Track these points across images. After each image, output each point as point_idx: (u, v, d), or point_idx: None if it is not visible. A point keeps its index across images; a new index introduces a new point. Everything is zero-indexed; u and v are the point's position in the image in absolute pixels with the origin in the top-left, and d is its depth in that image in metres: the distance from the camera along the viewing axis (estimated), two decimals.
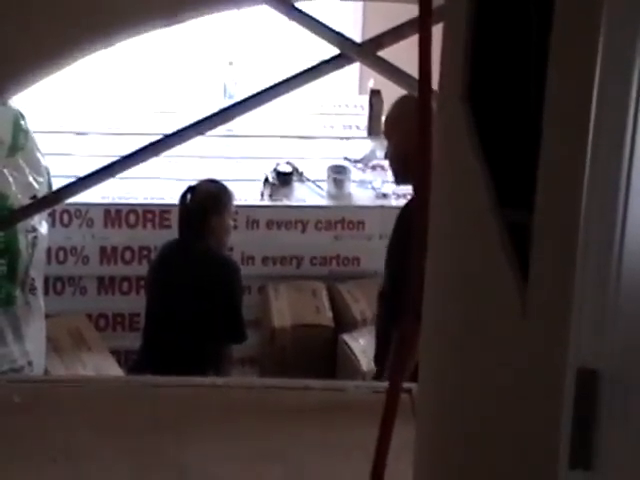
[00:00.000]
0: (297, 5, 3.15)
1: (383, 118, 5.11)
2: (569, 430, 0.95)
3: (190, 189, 3.91)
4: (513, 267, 1.25)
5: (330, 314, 4.39)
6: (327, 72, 3.16)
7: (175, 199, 4.11)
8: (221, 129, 3.79)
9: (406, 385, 1.63)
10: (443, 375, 1.61)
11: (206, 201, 3.84)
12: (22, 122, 4.03)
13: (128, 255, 4.46)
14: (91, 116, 5.02)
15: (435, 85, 1.62)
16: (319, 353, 4.33)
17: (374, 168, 4.81)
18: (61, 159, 4.51)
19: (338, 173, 4.65)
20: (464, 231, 1.48)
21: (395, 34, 3.13)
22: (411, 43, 2.68)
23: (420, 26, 1.55)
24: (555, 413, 0.99)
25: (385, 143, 3.62)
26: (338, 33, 3.17)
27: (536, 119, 1.23)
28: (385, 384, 1.69)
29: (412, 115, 3.43)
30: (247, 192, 4.51)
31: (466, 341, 1.46)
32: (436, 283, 1.62)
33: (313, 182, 4.68)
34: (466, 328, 1.46)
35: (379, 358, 3.33)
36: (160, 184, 4.53)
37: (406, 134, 3.34)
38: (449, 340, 1.57)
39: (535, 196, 1.18)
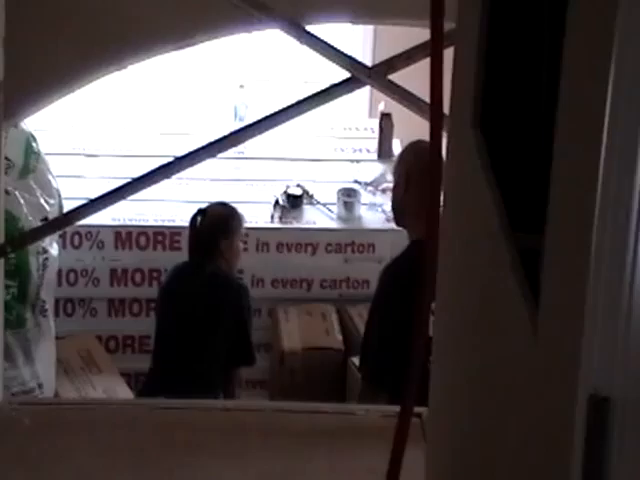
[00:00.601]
0: (308, 28, 3.16)
1: (393, 141, 5.14)
2: (581, 457, 0.95)
3: (200, 212, 3.92)
4: (524, 293, 1.25)
5: (340, 337, 4.39)
6: (338, 95, 3.17)
7: (185, 221, 4.12)
8: (232, 151, 3.80)
9: (416, 409, 1.63)
10: (454, 400, 1.60)
11: (216, 224, 3.85)
12: (34, 144, 4.05)
13: (138, 277, 4.46)
14: (102, 138, 5.04)
15: (446, 109, 1.62)
16: (329, 376, 4.33)
17: (384, 191, 4.81)
18: (72, 181, 4.53)
19: (348, 196, 4.66)
20: (475, 256, 1.48)
21: (406, 58, 3.14)
22: (422, 66, 2.69)
23: (432, 50, 1.55)
24: (566, 440, 0.99)
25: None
26: (349, 56, 3.18)
27: (547, 145, 1.24)
28: (395, 408, 1.69)
29: (412, 162, 3.45)
30: (257, 214, 4.52)
31: (477, 366, 1.45)
32: (447, 309, 1.62)
33: (323, 205, 4.69)
34: (477, 353, 1.45)
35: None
36: (171, 206, 4.54)
37: (402, 181, 3.30)
38: (460, 365, 1.56)
39: (546, 221, 1.18)
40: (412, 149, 3.39)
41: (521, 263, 1.29)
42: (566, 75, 1.11)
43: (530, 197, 1.29)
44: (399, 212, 3.32)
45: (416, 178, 3.21)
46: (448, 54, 1.61)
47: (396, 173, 3.40)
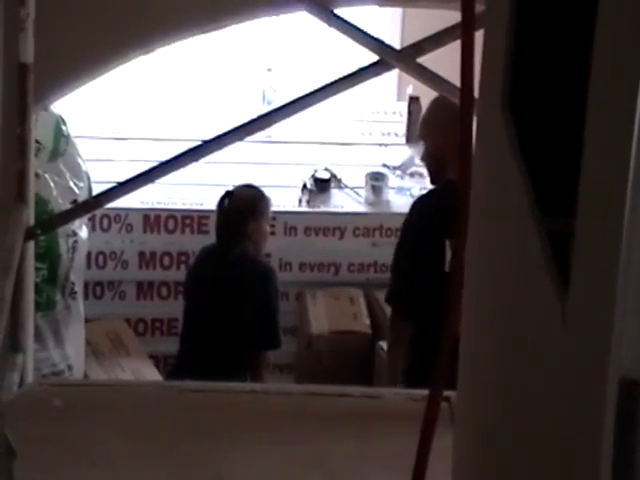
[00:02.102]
0: (336, 12, 3.15)
1: None
2: (611, 443, 0.94)
3: (228, 194, 3.93)
4: (553, 276, 1.25)
5: (367, 321, 4.39)
6: (366, 79, 3.16)
7: (214, 205, 4.13)
8: (260, 135, 3.81)
9: (445, 393, 1.63)
10: (482, 384, 1.60)
11: (243, 206, 3.85)
12: (63, 127, 4.07)
13: (167, 260, 4.48)
14: (131, 122, 5.05)
15: (476, 93, 1.61)
16: (356, 360, 4.33)
17: (412, 175, 4.81)
18: (101, 164, 4.54)
19: (376, 180, 4.65)
20: (503, 240, 1.48)
21: (434, 41, 3.13)
22: (451, 49, 2.67)
23: (462, 33, 1.54)
24: (597, 423, 0.98)
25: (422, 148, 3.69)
26: (377, 39, 3.17)
27: (577, 126, 1.23)
28: (423, 392, 1.69)
29: (445, 115, 3.58)
30: (285, 198, 4.52)
31: (505, 350, 1.45)
32: (475, 292, 1.61)
33: (351, 189, 4.68)
34: (506, 337, 1.45)
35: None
36: (199, 190, 4.55)
37: (439, 134, 3.43)
38: (488, 349, 1.56)
39: (577, 203, 1.17)
40: (441, 106, 3.53)
41: (551, 246, 1.28)
42: (598, 55, 1.10)
43: (560, 180, 1.28)
44: (436, 163, 3.49)
45: (452, 134, 3.34)
46: (478, 37, 1.60)
47: (430, 131, 3.53)
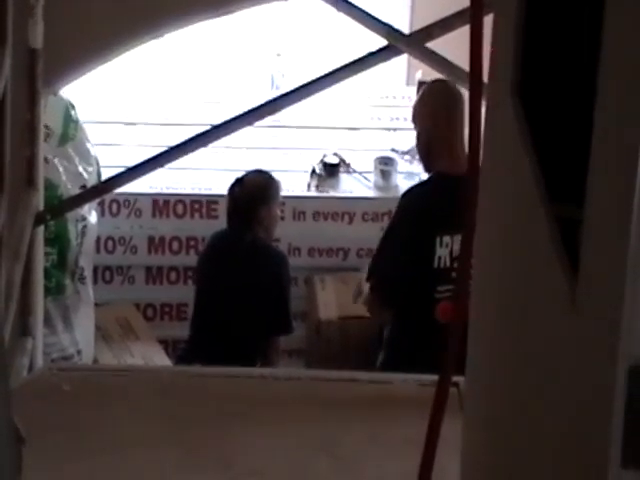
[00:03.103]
0: None
1: None
2: (621, 428, 0.94)
3: (238, 180, 3.93)
4: (563, 262, 1.24)
5: None
6: (375, 63, 3.15)
7: (222, 190, 4.12)
8: (268, 120, 3.80)
9: (454, 378, 1.63)
10: (490, 370, 1.60)
11: (254, 192, 3.86)
12: (72, 112, 4.07)
13: (176, 245, 4.48)
14: (140, 106, 5.05)
15: (485, 78, 1.61)
16: (365, 345, 4.33)
17: None
18: (110, 149, 4.55)
19: (385, 164, 4.64)
20: (512, 226, 1.47)
21: (444, 25, 3.11)
22: (460, 34, 2.66)
23: (471, 18, 1.54)
24: (606, 411, 0.98)
25: None
26: (386, 24, 3.16)
27: (587, 112, 1.22)
28: (432, 377, 1.69)
29: (434, 97, 3.57)
30: (294, 183, 4.51)
31: (514, 336, 1.45)
32: (484, 278, 1.61)
33: (360, 173, 4.68)
34: (514, 323, 1.45)
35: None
36: (208, 174, 4.55)
37: (428, 117, 3.40)
38: (497, 334, 1.56)
39: (586, 189, 1.17)
40: (435, 90, 3.54)
41: (560, 232, 1.28)
42: (608, 40, 1.10)
43: (570, 166, 1.28)
44: (427, 149, 3.45)
45: (443, 114, 3.40)
46: (487, 21, 1.59)
47: (421, 114, 3.49)
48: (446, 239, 3.30)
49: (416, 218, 3.35)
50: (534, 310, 1.36)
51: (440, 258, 3.30)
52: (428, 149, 3.46)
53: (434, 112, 3.41)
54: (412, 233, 3.34)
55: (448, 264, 3.31)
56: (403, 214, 3.42)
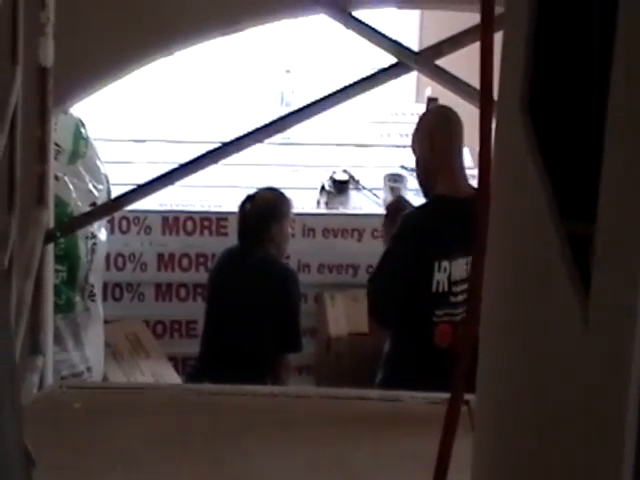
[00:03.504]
0: (354, 14, 3.15)
1: None
2: (634, 445, 0.94)
3: (249, 198, 3.93)
4: (574, 280, 1.24)
5: None
6: (384, 81, 3.16)
7: (232, 207, 4.13)
8: (278, 137, 3.81)
9: (464, 396, 1.62)
10: (501, 388, 1.60)
11: (266, 209, 3.86)
12: (82, 130, 4.08)
13: (185, 262, 4.49)
14: (150, 124, 5.06)
15: (495, 94, 1.61)
16: (375, 362, 4.32)
17: None
18: (120, 167, 4.56)
19: (395, 181, 4.64)
20: (523, 244, 1.47)
21: (453, 43, 3.12)
22: (469, 51, 2.67)
23: (482, 35, 1.54)
24: (620, 428, 0.98)
25: None
26: (395, 42, 3.17)
27: (598, 129, 1.22)
28: (442, 395, 1.69)
29: (431, 118, 3.62)
30: (304, 200, 4.52)
31: (526, 354, 1.44)
32: (495, 295, 1.61)
33: (369, 190, 4.68)
34: (525, 341, 1.44)
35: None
36: (217, 192, 4.56)
37: (426, 139, 3.43)
38: (508, 353, 1.55)
39: (598, 205, 1.17)
40: (431, 114, 3.65)
41: (571, 249, 1.27)
42: (620, 55, 1.10)
43: (580, 183, 1.28)
44: (425, 174, 3.48)
45: (439, 137, 3.43)
46: (497, 38, 1.59)
47: (418, 138, 3.53)
48: (444, 264, 3.32)
49: (415, 242, 3.36)
50: (545, 328, 1.35)
51: (439, 283, 3.32)
52: (426, 174, 3.49)
53: (431, 138, 3.44)
54: (410, 258, 3.35)
55: (446, 289, 3.33)
56: (401, 238, 3.43)
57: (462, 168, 3.47)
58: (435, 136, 3.44)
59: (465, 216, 3.27)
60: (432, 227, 3.36)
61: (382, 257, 3.49)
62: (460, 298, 3.32)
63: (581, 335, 1.16)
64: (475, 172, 4.43)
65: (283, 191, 4.02)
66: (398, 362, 3.44)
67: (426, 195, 3.56)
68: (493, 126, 1.61)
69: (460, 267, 3.32)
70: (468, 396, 1.96)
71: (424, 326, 3.31)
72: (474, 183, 3.97)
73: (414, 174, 4.82)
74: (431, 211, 3.45)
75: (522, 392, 1.46)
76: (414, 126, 3.65)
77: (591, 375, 1.11)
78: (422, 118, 3.62)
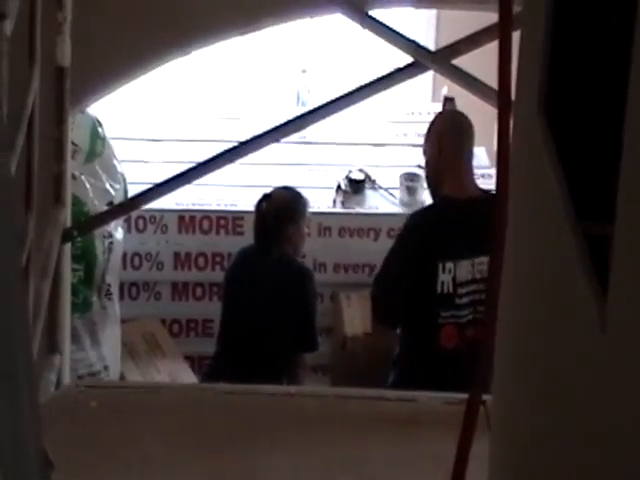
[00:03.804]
0: (371, 13, 3.15)
1: None
2: None
3: (265, 197, 3.93)
4: (592, 281, 1.24)
5: None
6: (401, 80, 3.16)
7: (248, 206, 4.13)
8: (294, 136, 3.81)
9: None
10: (518, 388, 1.59)
11: (282, 209, 3.86)
12: (99, 129, 4.09)
13: (202, 261, 4.49)
14: (166, 123, 5.07)
15: (513, 95, 1.61)
16: (390, 361, 4.32)
17: None
18: (137, 166, 4.57)
19: (411, 181, 4.64)
20: (541, 245, 1.47)
21: (469, 42, 3.11)
22: (486, 51, 2.66)
23: (500, 34, 1.53)
24: (638, 431, 0.97)
25: None
26: (412, 41, 3.17)
27: (615, 130, 1.22)
28: (459, 395, 1.68)
29: (441, 121, 3.67)
30: (319, 199, 4.52)
31: (543, 356, 1.44)
32: (512, 297, 1.61)
33: (386, 190, 4.67)
34: (543, 342, 1.44)
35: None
36: (233, 191, 4.56)
37: (435, 141, 3.47)
38: (525, 354, 1.55)
39: (616, 207, 1.16)
40: (441, 117, 3.69)
41: (589, 250, 1.27)
42: (638, 56, 1.09)
43: (598, 184, 1.27)
44: (433, 175, 3.52)
45: (448, 140, 3.48)
46: (514, 37, 1.59)
47: (428, 141, 3.57)
48: (449, 265, 3.32)
49: (418, 243, 3.38)
50: (563, 329, 1.35)
51: (443, 283, 3.33)
52: (434, 176, 3.52)
53: (440, 141, 3.48)
54: (414, 258, 3.37)
55: (451, 290, 3.33)
56: (406, 238, 3.45)
57: (470, 171, 3.49)
58: (444, 139, 3.47)
59: (470, 217, 3.32)
60: (436, 228, 3.38)
61: (386, 257, 3.51)
62: (465, 300, 3.33)
63: (599, 336, 1.15)
64: (492, 172, 4.43)
65: (299, 190, 4.02)
66: (406, 364, 3.46)
67: (434, 197, 3.58)
68: (510, 126, 1.61)
69: (465, 268, 3.33)
70: (485, 396, 1.96)
71: (430, 327, 3.32)
72: (490, 183, 3.98)
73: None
74: (436, 212, 3.48)
75: (539, 393, 1.46)
76: (426, 130, 3.68)
77: (609, 376, 1.10)
78: (433, 121, 3.66)
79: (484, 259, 3.27)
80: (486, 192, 3.46)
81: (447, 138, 3.49)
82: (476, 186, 3.50)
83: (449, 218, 3.36)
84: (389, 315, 3.45)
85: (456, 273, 3.32)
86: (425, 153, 3.59)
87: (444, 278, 3.32)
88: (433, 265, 3.31)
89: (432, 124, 3.62)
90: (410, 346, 3.45)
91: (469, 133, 3.49)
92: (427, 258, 3.32)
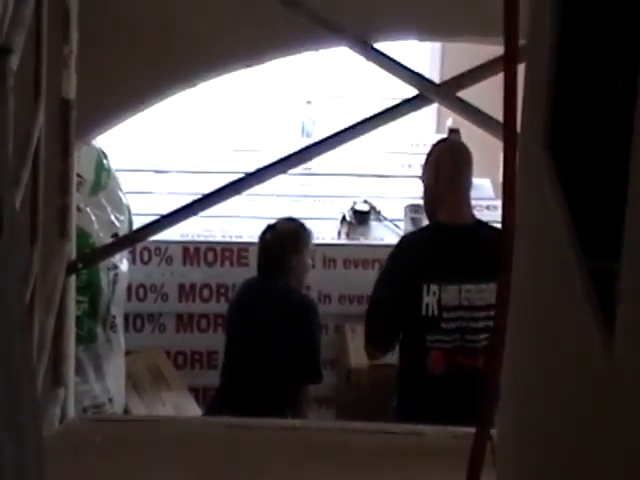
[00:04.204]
0: (375, 46, 3.16)
1: None
2: None
3: (269, 228, 3.93)
4: (597, 316, 1.23)
5: None
6: (405, 112, 3.16)
7: (253, 237, 4.13)
8: (299, 167, 3.82)
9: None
10: (524, 422, 1.58)
11: (286, 240, 3.86)
12: (104, 161, 4.10)
13: (206, 292, 4.49)
14: (171, 154, 5.08)
15: (518, 127, 1.61)
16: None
17: None
18: (142, 197, 4.57)
19: (415, 212, 4.64)
20: (545, 280, 1.46)
21: (474, 75, 3.12)
22: (491, 83, 2.67)
23: (505, 68, 1.54)
24: None
25: None
26: (416, 74, 3.18)
27: (621, 165, 1.21)
28: (465, 429, 1.67)
29: (438, 149, 3.71)
30: (324, 231, 4.52)
31: (549, 390, 1.43)
32: (517, 332, 1.60)
33: (390, 221, 4.67)
34: (549, 378, 1.43)
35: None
36: (238, 222, 4.56)
37: (432, 167, 3.52)
38: (530, 388, 1.54)
39: (622, 242, 1.16)
40: (438, 146, 3.70)
41: (594, 286, 1.26)
42: None
43: (604, 220, 1.27)
44: (429, 203, 3.56)
45: (445, 168, 3.52)
46: (520, 69, 1.59)
47: (427, 170, 3.62)
48: (433, 287, 3.34)
49: (404, 263, 3.42)
50: (568, 364, 1.34)
51: (428, 306, 3.33)
52: (430, 203, 3.56)
53: (437, 168, 3.51)
54: (400, 278, 3.40)
55: (436, 313, 3.33)
56: (394, 259, 3.49)
57: (467, 200, 3.52)
58: (441, 167, 3.51)
59: (461, 244, 3.35)
60: (424, 250, 3.42)
61: (377, 277, 3.53)
62: (452, 325, 3.34)
63: (604, 370, 1.15)
64: (497, 203, 4.43)
65: (303, 221, 4.02)
66: (402, 388, 3.49)
67: (428, 214, 3.65)
68: (516, 158, 1.61)
69: (452, 293, 3.35)
70: (492, 430, 1.94)
71: (417, 351, 3.36)
72: (495, 214, 3.98)
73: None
74: (426, 235, 3.54)
75: (544, 427, 1.45)
76: (425, 158, 3.70)
77: (616, 410, 1.10)
78: (432, 149, 3.69)
79: (471, 287, 3.30)
80: (480, 221, 3.50)
81: (444, 167, 3.52)
82: (472, 215, 3.53)
83: (439, 242, 3.40)
84: (379, 337, 3.47)
85: (441, 296, 3.34)
86: (423, 180, 3.61)
87: (428, 300, 3.34)
88: (418, 286, 3.33)
89: (430, 152, 3.65)
90: (403, 370, 3.48)
91: (467, 162, 3.52)
92: (412, 279, 3.35)
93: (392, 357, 4.36)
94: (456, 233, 3.39)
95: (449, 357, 3.31)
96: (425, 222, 4.61)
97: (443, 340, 3.34)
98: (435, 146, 3.73)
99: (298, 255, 3.86)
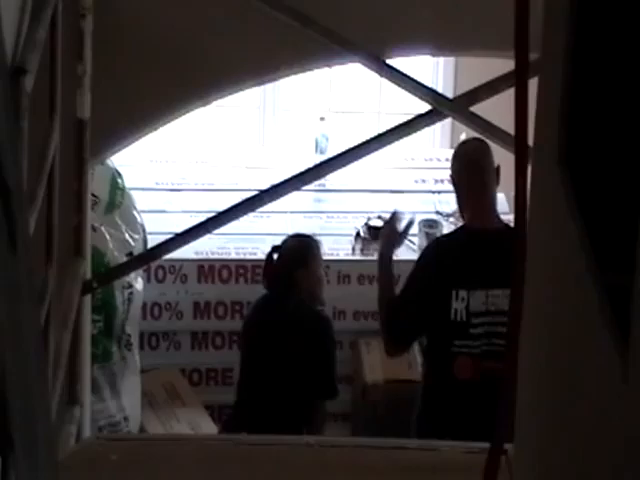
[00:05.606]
0: (388, 61, 3.17)
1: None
2: None
3: (275, 248, 3.94)
4: (612, 331, 1.22)
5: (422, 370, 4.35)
6: (419, 128, 3.17)
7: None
8: (313, 184, 3.82)
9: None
10: (539, 439, 1.58)
11: (291, 257, 3.85)
12: (119, 180, 4.11)
13: (221, 310, 4.49)
14: (185, 172, 5.09)
15: (531, 141, 1.60)
16: (411, 409, 4.29)
17: None
18: (156, 216, 4.58)
19: (430, 227, 4.63)
20: (560, 294, 1.46)
21: (488, 89, 3.13)
22: (505, 97, 2.67)
23: (516, 81, 1.54)
24: None
25: None
26: (430, 89, 3.18)
27: (636, 180, 1.21)
28: (480, 444, 1.66)
29: (460, 159, 3.71)
30: (338, 247, 4.51)
31: (564, 406, 1.42)
32: (532, 347, 1.59)
33: None
34: (564, 393, 1.43)
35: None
36: (252, 239, 4.56)
37: (456, 176, 3.51)
38: (545, 404, 1.54)
39: (636, 256, 1.15)
40: (460, 148, 3.71)
41: (609, 300, 1.26)
42: None
43: (619, 235, 1.27)
44: (459, 205, 3.60)
45: (458, 177, 3.56)
46: (532, 85, 1.59)
47: (452, 171, 3.65)
48: (462, 293, 3.34)
49: (434, 268, 3.41)
50: (583, 380, 1.34)
51: (457, 311, 3.33)
52: (459, 204, 3.56)
53: (459, 168, 3.52)
54: (429, 283, 3.38)
55: (465, 319, 3.33)
56: (422, 263, 3.50)
57: (493, 199, 3.51)
58: (464, 170, 3.56)
59: (487, 248, 3.35)
60: (453, 255, 3.41)
61: (405, 281, 3.53)
62: (480, 330, 3.34)
63: (620, 388, 1.14)
64: (511, 217, 4.41)
65: (313, 236, 4.01)
66: (428, 394, 3.47)
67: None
68: (529, 173, 1.60)
69: (479, 299, 3.34)
70: (506, 445, 1.93)
71: (444, 356, 3.34)
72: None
73: (449, 219, 4.84)
74: (455, 240, 3.54)
75: (560, 444, 1.44)
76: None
77: (631, 428, 1.09)
78: (454, 152, 3.70)
79: (498, 292, 3.30)
80: (507, 225, 3.48)
81: (466, 167, 3.54)
82: (498, 218, 3.52)
83: (467, 247, 3.40)
84: (402, 334, 3.46)
85: (470, 302, 3.33)
86: (452, 182, 3.64)
87: (457, 306, 3.34)
88: (447, 292, 3.32)
89: (453, 155, 3.65)
90: (429, 376, 3.47)
91: (488, 158, 3.50)
92: (441, 284, 3.34)
93: (408, 372, 4.36)
94: (483, 238, 3.39)
95: (477, 362, 3.31)
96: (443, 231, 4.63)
97: (471, 345, 3.33)
98: (456, 148, 3.74)
99: (305, 270, 3.84)
